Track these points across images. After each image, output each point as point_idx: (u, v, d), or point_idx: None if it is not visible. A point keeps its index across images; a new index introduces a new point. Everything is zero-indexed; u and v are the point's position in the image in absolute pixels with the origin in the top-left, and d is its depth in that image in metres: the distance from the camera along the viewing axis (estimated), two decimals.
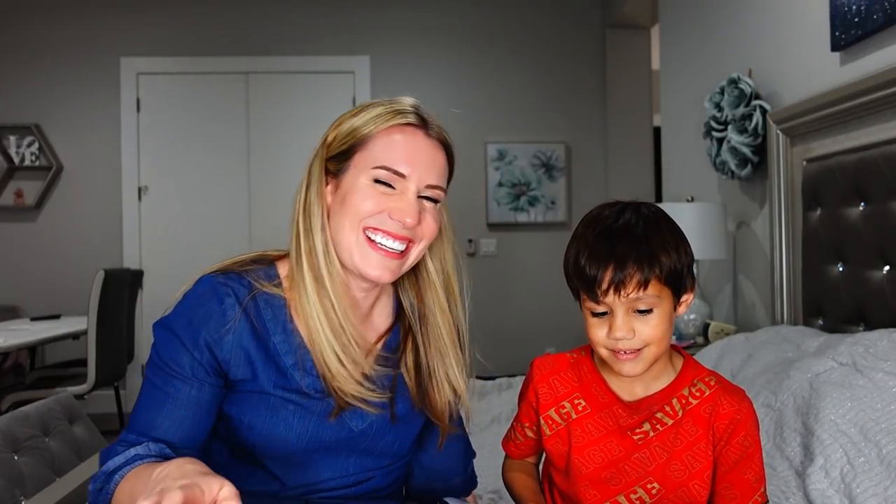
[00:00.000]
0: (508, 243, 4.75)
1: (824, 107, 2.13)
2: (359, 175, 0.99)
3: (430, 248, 1.08)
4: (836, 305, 2.11)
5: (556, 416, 1.07)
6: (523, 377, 1.22)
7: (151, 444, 0.93)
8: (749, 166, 2.60)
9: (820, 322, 2.20)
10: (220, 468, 1.02)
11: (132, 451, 0.92)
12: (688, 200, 2.88)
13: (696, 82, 3.19)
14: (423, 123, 1.02)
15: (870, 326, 1.94)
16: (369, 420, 1.04)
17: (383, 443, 1.06)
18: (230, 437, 1.03)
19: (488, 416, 2.19)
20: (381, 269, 0.99)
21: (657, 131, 4.29)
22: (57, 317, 4.06)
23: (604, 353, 0.99)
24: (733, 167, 2.64)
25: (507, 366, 4.42)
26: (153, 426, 0.95)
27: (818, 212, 2.21)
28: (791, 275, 2.39)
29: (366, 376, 1.01)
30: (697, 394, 1.03)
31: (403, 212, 0.98)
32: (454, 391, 1.10)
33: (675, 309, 0.99)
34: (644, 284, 0.93)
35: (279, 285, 1.02)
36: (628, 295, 0.94)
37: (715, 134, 2.74)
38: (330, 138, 1.02)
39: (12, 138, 4.54)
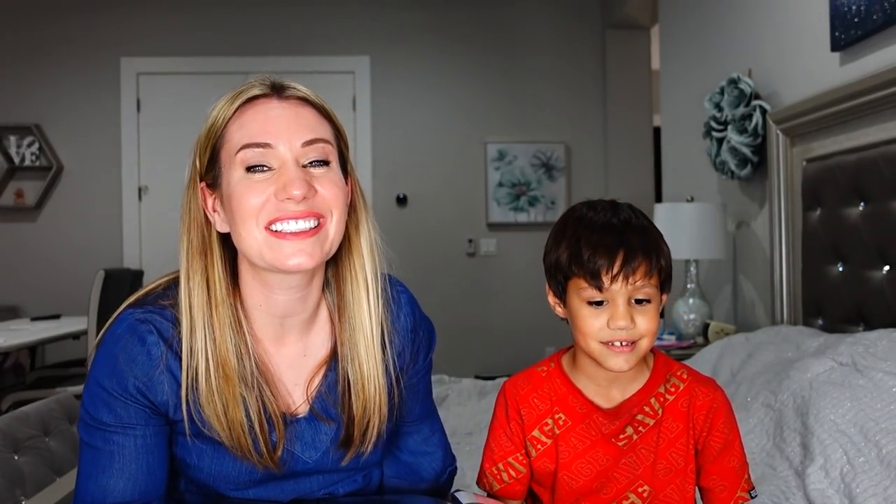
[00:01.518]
0: (508, 243, 4.75)
1: (824, 107, 2.13)
2: (230, 171, 0.89)
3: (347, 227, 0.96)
4: (835, 305, 2.11)
5: (540, 435, 1.03)
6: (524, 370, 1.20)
7: None
8: (749, 166, 2.60)
9: (820, 322, 2.20)
10: (188, 498, 0.99)
11: None
12: (688, 200, 2.88)
13: (696, 82, 3.19)
14: (272, 90, 0.91)
15: (870, 326, 1.94)
16: (322, 448, 0.97)
17: (348, 463, 0.99)
18: (185, 476, 0.97)
19: (488, 415, 2.19)
20: (295, 255, 0.88)
21: (657, 131, 4.29)
22: (57, 317, 4.06)
23: (595, 346, 0.96)
24: (733, 167, 2.64)
25: (507, 365, 4.43)
26: (106, 492, 0.88)
27: (818, 212, 2.21)
28: (791, 275, 2.39)
29: (293, 419, 0.95)
30: (673, 389, 1.03)
31: (287, 186, 0.86)
32: (364, 395, 0.96)
33: (661, 301, 1.00)
34: (649, 273, 0.94)
35: None
36: (636, 282, 0.94)
37: (715, 134, 2.74)
38: (196, 158, 0.94)
39: (12, 138, 4.54)
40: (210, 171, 0.92)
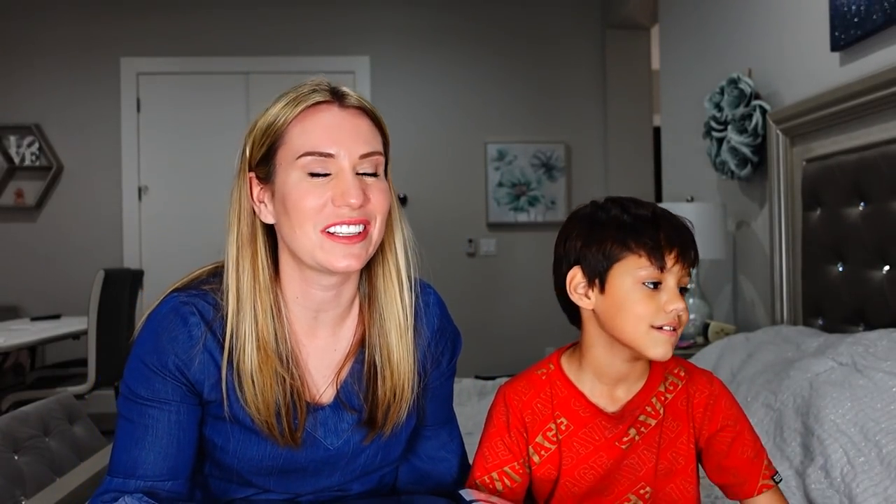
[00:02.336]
0: (508, 243, 4.75)
1: (824, 107, 2.13)
2: (288, 172, 0.93)
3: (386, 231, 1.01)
4: (836, 305, 2.11)
5: (543, 441, 1.01)
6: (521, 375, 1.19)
7: (129, 497, 0.89)
8: (749, 166, 2.60)
9: (820, 322, 2.20)
10: (212, 483, 1.03)
11: None
12: (688, 200, 2.88)
13: (696, 82, 3.19)
14: (334, 97, 0.95)
15: (870, 326, 1.94)
16: (344, 437, 1.00)
17: (364, 457, 1.02)
18: (211, 457, 1.00)
19: None
20: (346, 258, 0.93)
21: (657, 131, 4.29)
22: (57, 317, 4.06)
23: (643, 331, 0.92)
24: (733, 167, 2.64)
25: (507, 365, 4.43)
26: (137, 464, 0.92)
27: (818, 212, 2.21)
28: (791, 275, 2.39)
29: (317, 407, 0.98)
30: (672, 388, 1.02)
31: (345, 194, 0.91)
32: (393, 379, 1.00)
33: None
34: (693, 263, 0.95)
35: None
36: (686, 266, 0.94)
37: (715, 134, 2.74)
38: (248, 149, 0.96)
39: (12, 138, 4.54)
40: (263, 166, 0.95)
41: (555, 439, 1.00)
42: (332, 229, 0.92)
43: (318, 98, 0.94)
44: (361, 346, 1.03)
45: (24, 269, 4.56)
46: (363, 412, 1.00)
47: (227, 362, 0.94)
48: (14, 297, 4.54)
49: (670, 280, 0.93)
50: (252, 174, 0.97)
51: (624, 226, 0.94)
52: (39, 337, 3.28)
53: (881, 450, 1.34)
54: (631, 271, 0.93)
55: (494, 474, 1.02)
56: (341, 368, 1.01)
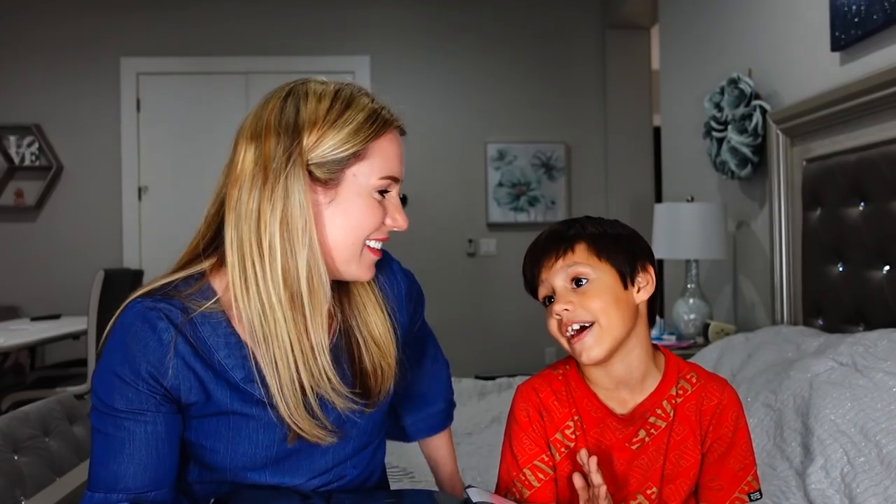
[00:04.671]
0: (508, 243, 4.75)
1: (824, 107, 2.13)
2: (360, 186, 0.94)
3: None
4: (836, 305, 2.11)
5: (563, 439, 1.02)
6: (524, 377, 1.20)
7: None
8: (749, 166, 2.60)
9: (820, 322, 2.20)
10: (195, 485, 1.01)
11: None
12: (688, 200, 2.88)
13: (696, 82, 3.19)
14: (395, 120, 1.00)
15: (870, 326, 1.94)
16: (334, 414, 1.00)
17: (356, 430, 1.02)
18: (200, 462, 0.99)
19: (488, 415, 2.20)
20: (371, 270, 1.00)
21: (657, 131, 4.29)
22: (57, 317, 4.06)
23: (563, 343, 1.00)
24: (733, 167, 2.64)
25: (507, 365, 4.44)
26: (118, 478, 0.90)
27: (818, 212, 2.21)
28: (791, 275, 2.39)
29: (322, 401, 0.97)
30: (682, 392, 1.02)
31: (399, 220, 0.99)
32: (379, 352, 1.02)
33: (626, 288, 0.99)
34: (563, 255, 0.98)
35: (217, 301, 0.95)
36: (550, 267, 0.99)
37: (715, 134, 2.74)
38: (309, 142, 0.91)
39: (12, 138, 4.54)
40: (328, 171, 0.92)
41: (573, 437, 1.02)
42: (371, 243, 0.97)
43: (396, 124, 0.99)
44: (337, 321, 1.04)
45: (24, 269, 4.56)
46: (354, 384, 1.01)
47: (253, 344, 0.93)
48: (14, 297, 4.54)
49: (554, 281, 0.99)
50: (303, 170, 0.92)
51: (525, 256, 1.05)
52: (39, 337, 3.29)
53: (881, 450, 1.34)
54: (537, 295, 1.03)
55: (527, 470, 1.03)
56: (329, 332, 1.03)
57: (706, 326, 2.70)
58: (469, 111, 4.74)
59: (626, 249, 1.00)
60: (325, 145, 0.92)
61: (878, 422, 1.39)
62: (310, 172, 0.92)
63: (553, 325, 0.99)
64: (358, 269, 0.97)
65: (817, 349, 1.76)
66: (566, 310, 0.97)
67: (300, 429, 0.93)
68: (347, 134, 0.92)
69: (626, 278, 0.99)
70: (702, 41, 3.17)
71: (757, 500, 1.03)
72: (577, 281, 0.98)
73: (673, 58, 3.54)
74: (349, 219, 0.94)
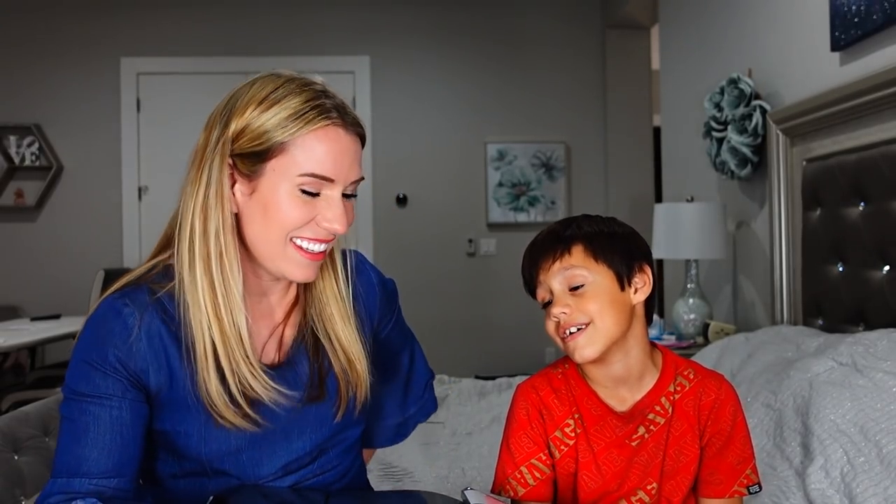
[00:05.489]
0: (508, 243, 4.75)
1: (824, 107, 2.13)
2: (280, 181, 0.91)
3: None
4: (836, 305, 2.11)
5: (563, 437, 1.03)
6: (524, 377, 1.20)
7: (80, 500, 0.88)
8: (749, 166, 2.60)
9: (820, 322, 2.20)
10: (169, 480, 1.01)
11: None
12: (688, 200, 2.88)
13: (696, 82, 3.19)
14: (342, 117, 0.93)
15: (870, 326, 1.94)
16: (304, 383, 1.01)
17: (327, 410, 1.03)
18: (174, 452, 0.99)
19: (489, 415, 2.19)
20: (307, 272, 0.95)
21: (657, 131, 4.30)
22: (57, 317, 4.06)
23: (559, 342, 1.00)
24: (733, 167, 2.64)
25: (507, 365, 4.44)
26: (80, 462, 0.90)
27: (818, 212, 2.21)
28: (791, 275, 2.39)
29: (265, 384, 0.96)
30: (680, 388, 1.03)
31: (333, 220, 0.93)
32: (347, 360, 1.02)
33: (622, 289, 1.00)
34: (560, 257, 0.99)
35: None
36: (548, 269, 0.99)
37: (715, 134, 2.74)
38: (235, 131, 0.92)
39: (12, 138, 4.54)
40: (249, 161, 0.93)
41: (573, 434, 1.03)
42: (301, 242, 0.94)
43: (332, 118, 0.92)
44: (300, 313, 1.05)
45: (24, 269, 4.56)
46: (312, 384, 1.01)
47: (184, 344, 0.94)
48: (14, 297, 4.54)
49: (552, 286, 1.00)
50: (230, 160, 0.94)
51: (523, 258, 1.05)
52: (39, 337, 3.29)
53: (881, 450, 1.34)
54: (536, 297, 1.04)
55: (523, 468, 1.03)
56: (283, 332, 1.03)
57: (706, 326, 2.70)
58: (469, 111, 4.74)
59: (623, 250, 1.00)
60: (245, 136, 0.92)
61: (878, 422, 1.39)
62: (235, 163, 0.94)
63: (551, 327, 1.01)
64: (286, 266, 0.94)
65: (817, 349, 1.76)
66: (564, 313, 0.98)
67: (217, 412, 0.94)
68: (269, 127, 0.91)
69: (623, 279, 1.00)
70: (702, 41, 3.17)
71: (756, 492, 1.04)
72: (574, 287, 0.98)
73: (673, 58, 3.54)
74: (267, 214, 0.93)
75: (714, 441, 1.02)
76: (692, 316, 2.76)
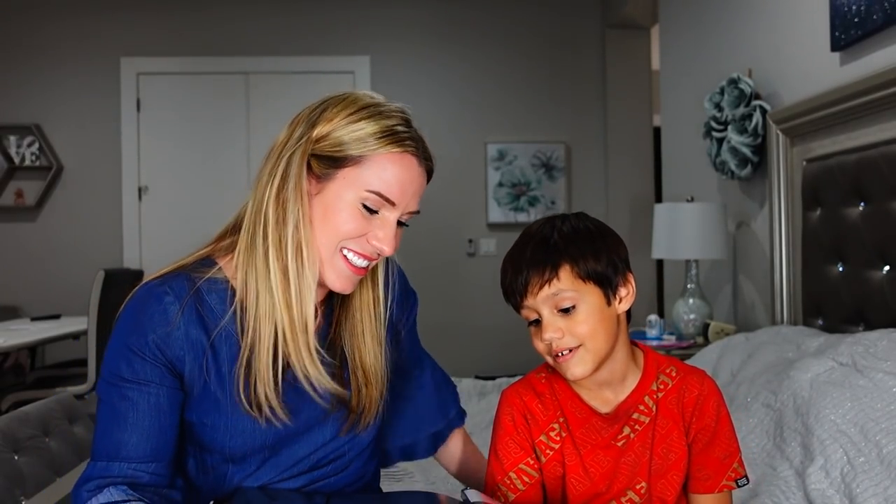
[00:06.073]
0: (508, 243, 4.64)
1: (824, 107, 2.13)
2: (345, 190, 0.96)
3: None
4: (836, 305, 2.11)
5: (548, 441, 1.04)
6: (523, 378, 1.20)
7: (112, 488, 0.91)
8: (749, 166, 2.60)
9: (820, 322, 2.20)
10: (193, 477, 1.02)
11: (94, 501, 0.91)
12: (688, 200, 2.88)
13: (696, 82, 3.19)
14: (418, 149, 0.99)
15: (870, 326, 1.94)
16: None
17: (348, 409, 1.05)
18: (199, 444, 1.01)
19: (488, 415, 2.19)
20: (347, 283, 0.99)
21: (657, 131, 4.29)
22: (57, 317, 4.06)
23: (549, 360, 1.00)
24: (733, 167, 2.64)
25: (507, 365, 4.43)
26: (120, 446, 0.93)
27: (818, 212, 2.21)
28: (791, 275, 2.39)
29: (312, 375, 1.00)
30: (663, 386, 1.04)
31: (383, 241, 0.97)
32: (365, 379, 1.04)
33: (609, 304, 0.99)
34: (547, 281, 0.96)
35: (219, 271, 1.00)
36: (536, 294, 0.97)
37: (715, 134, 2.74)
38: (320, 133, 0.96)
39: (12, 138, 4.54)
40: (323, 164, 0.96)
41: (558, 438, 1.03)
42: (348, 253, 0.97)
43: (408, 148, 0.97)
44: (325, 311, 1.07)
45: (24, 269, 4.56)
46: (335, 375, 1.03)
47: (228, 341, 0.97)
48: (14, 297, 4.54)
49: (541, 310, 0.98)
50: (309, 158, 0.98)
51: (503, 269, 1.02)
52: (39, 337, 3.29)
53: (881, 450, 1.34)
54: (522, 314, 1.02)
55: (512, 474, 1.04)
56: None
57: (706, 326, 2.70)
58: (469, 111, 4.74)
59: (607, 263, 0.99)
60: (328, 140, 0.96)
61: (878, 422, 1.39)
62: (310, 163, 0.96)
63: (540, 346, 1.00)
64: (329, 273, 0.98)
65: (817, 349, 1.76)
66: (556, 337, 0.98)
67: (256, 402, 0.96)
68: (351, 138, 0.95)
69: (610, 294, 0.99)
70: (702, 41, 3.17)
71: (744, 485, 1.05)
72: (564, 309, 0.97)
73: (673, 58, 3.54)
74: (326, 217, 0.96)
75: (700, 437, 1.03)
76: (692, 316, 2.76)
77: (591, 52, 4.80)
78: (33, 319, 3.94)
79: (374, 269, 1.05)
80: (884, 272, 1.92)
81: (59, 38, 4.58)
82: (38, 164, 4.53)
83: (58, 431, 1.60)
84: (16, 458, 1.44)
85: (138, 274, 3.90)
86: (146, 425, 0.94)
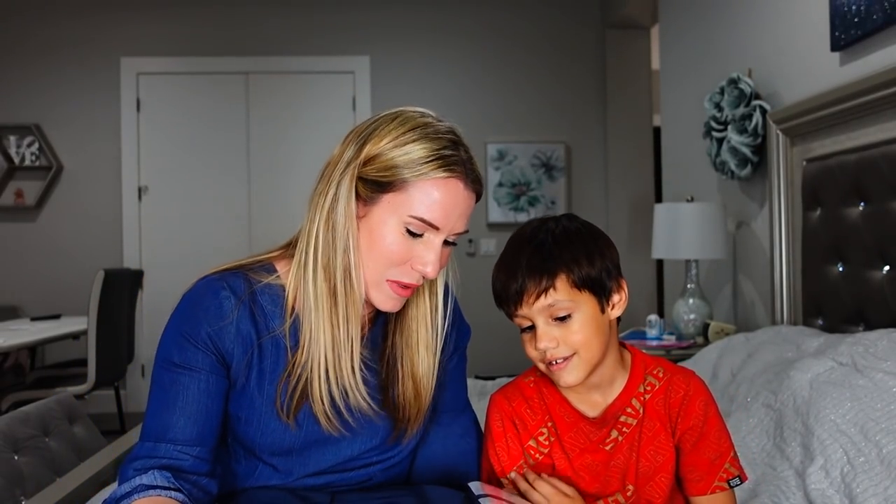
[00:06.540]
0: None
1: (824, 107, 2.13)
2: (390, 215, 0.96)
3: None
4: (836, 305, 2.11)
5: (536, 445, 1.05)
6: (511, 381, 1.20)
7: (157, 472, 0.93)
8: (749, 166, 2.60)
9: (820, 322, 2.20)
10: (224, 469, 1.05)
11: (137, 481, 0.92)
12: (688, 200, 2.88)
13: (696, 82, 3.19)
14: (465, 173, 0.98)
15: (870, 326, 1.94)
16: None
17: (382, 420, 1.06)
18: (233, 436, 1.04)
19: None
20: (392, 303, 1.00)
21: (657, 131, 4.29)
22: (57, 317, 4.06)
23: (542, 367, 1.00)
24: (733, 167, 2.64)
25: (507, 365, 4.43)
26: (168, 427, 0.96)
27: (818, 212, 2.21)
28: (791, 275, 2.39)
29: (346, 402, 1.01)
30: (650, 388, 1.03)
31: (426, 263, 0.97)
32: (415, 390, 1.05)
33: (603, 311, 0.99)
34: (544, 291, 0.95)
35: (277, 279, 1.03)
36: (531, 304, 0.96)
37: (715, 134, 2.74)
38: (367, 155, 0.96)
39: (12, 138, 4.54)
40: (370, 188, 0.97)
41: (547, 443, 1.04)
42: (397, 278, 0.98)
43: (457, 173, 0.96)
44: (379, 321, 1.09)
45: (24, 269, 4.56)
46: (379, 377, 1.05)
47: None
48: (14, 297, 4.54)
49: (535, 319, 0.97)
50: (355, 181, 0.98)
51: (495, 274, 1.02)
52: (39, 337, 3.29)
53: (881, 450, 1.34)
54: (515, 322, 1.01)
55: (512, 475, 1.05)
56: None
57: (706, 326, 2.70)
58: (469, 111, 4.74)
59: (602, 270, 0.98)
60: (374, 164, 0.96)
61: (878, 422, 1.39)
62: (357, 186, 0.97)
63: (533, 353, 1.00)
64: (376, 294, 0.99)
65: (817, 349, 1.76)
66: (551, 346, 0.97)
67: (322, 413, 0.99)
68: (397, 163, 0.95)
69: (604, 302, 0.99)
70: (702, 41, 3.17)
71: (737, 485, 1.03)
72: (559, 318, 0.97)
73: (673, 58, 3.54)
74: (371, 240, 0.97)
75: (687, 437, 1.02)
76: (692, 316, 2.76)
77: (591, 52, 4.80)
78: (33, 319, 3.94)
79: (433, 280, 1.06)
80: (884, 272, 1.92)
81: (59, 38, 4.58)
82: (37, 164, 4.54)
83: (58, 431, 1.60)
84: (16, 458, 1.44)
85: (138, 274, 3.90)
86: (193, 409, 0.96)
